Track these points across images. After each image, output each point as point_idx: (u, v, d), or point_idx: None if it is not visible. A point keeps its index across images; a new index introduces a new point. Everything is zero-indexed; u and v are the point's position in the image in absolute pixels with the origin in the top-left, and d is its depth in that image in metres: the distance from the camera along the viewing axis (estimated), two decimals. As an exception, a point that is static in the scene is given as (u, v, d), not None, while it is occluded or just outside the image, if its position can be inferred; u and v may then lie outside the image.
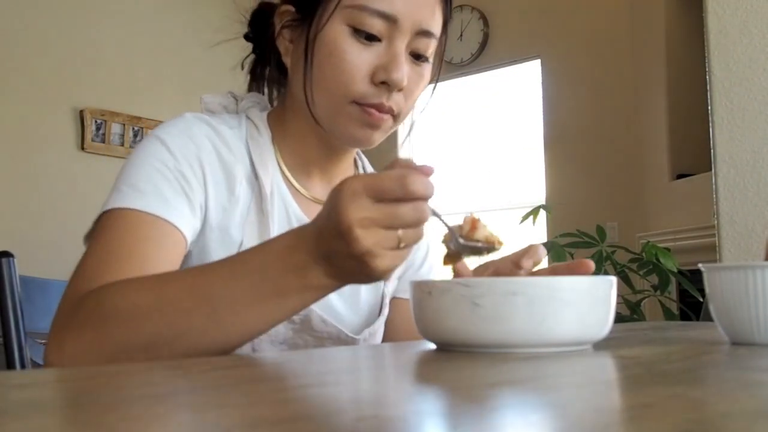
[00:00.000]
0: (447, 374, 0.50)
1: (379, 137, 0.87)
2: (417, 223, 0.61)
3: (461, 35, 4.87)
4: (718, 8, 2.07)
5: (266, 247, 0.68)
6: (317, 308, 0.86)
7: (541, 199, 4.42)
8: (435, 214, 0.68)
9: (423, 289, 0.62)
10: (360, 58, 0.83)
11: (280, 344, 0.87)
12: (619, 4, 4.32)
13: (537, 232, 3.68)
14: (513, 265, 0.79)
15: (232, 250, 0.83)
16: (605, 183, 4.26)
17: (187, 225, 0.80)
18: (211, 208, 0.84)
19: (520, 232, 3.54)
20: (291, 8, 0.88)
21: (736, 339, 0.66)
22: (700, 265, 0.69)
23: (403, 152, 5.09)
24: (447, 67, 4.92)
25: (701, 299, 2.08)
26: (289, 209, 0.89)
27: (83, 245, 0.80)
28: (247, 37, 0.98)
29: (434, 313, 0.60)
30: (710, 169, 2.13)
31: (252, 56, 0.99)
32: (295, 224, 0.87)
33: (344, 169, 0.97)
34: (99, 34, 4.14)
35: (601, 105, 4.33)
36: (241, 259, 0.69)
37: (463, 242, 0.71)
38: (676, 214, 3.78)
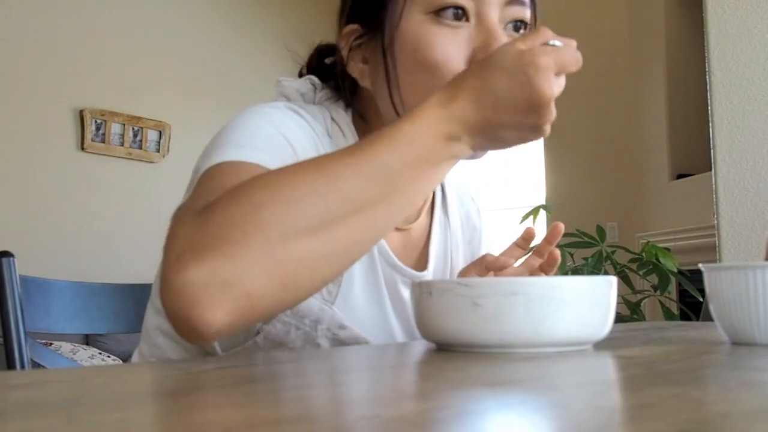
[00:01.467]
0: (447, 374, 0.50)
1: None
2: (577, 62, 0.64)
3: (461, 35, 4.87)
4: (718, 8, 2.08)
5: (415, 116, 0.61)
6: (340, 315, 0.78)
7: (541, 199, 4.42)
8: None
9: (423, 289, 0.61)
10: (453, 44, 0.73)
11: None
12: (619, 4, 4.32)
13: (537, 232, 3.68)
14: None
15: None
16: (605, 183, 4.26)
17: None
18: None
19: (520, 232, 3.55)
20: (355, 26, 0.80)
21: (736, 339, 0.66)
22: (700, 265, 0.69)
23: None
24: (447, 67, 4.92)
25: (701, 299, 2.08)
26: None
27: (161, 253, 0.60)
28: (301, 75, 0.91)
29: (435, 313, 0.60)
30: (710, 169, 2.13)
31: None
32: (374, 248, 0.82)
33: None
34: (99, 35, 4.14)
35: (601, 105, 4.33)
36: (395, 129, 0.61)
37: None
38: (676, 214, 3.78)
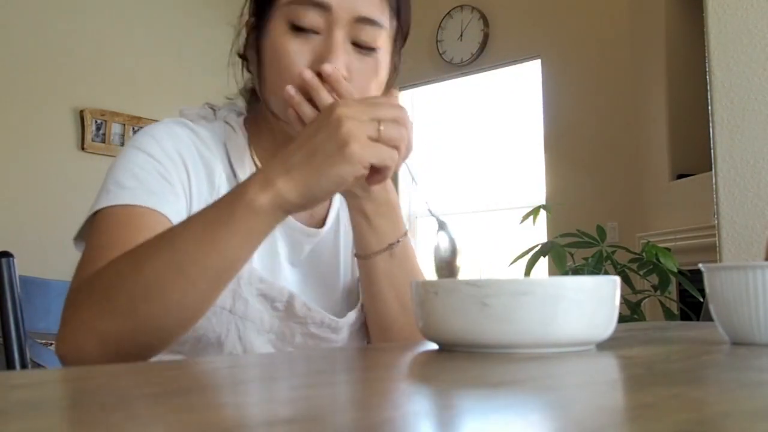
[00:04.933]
0: (448, 374, 0.50)
1: None
2: (396, 120, 0.69)
3: (461, 35, 4.87)
4: (718, 8, 2.08)
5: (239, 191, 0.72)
6: (299, 294, 0.90)
7: (541, 199, 4.41)
8: (431, 212, 0.72)
9: (428, 288, 0.61)
10: (298, 53, 0.84)
11: (267, 333, 0.89)
12: (620, 4, 4.32)
13: (537, 232, 3.68)
14: None
15: None
16: (605, 183, 4.26)
17: (175, 212, 0.83)
18: (194, 199, 0.86)
19: (520, 232, 3.54)
20: (252, 19, 0.92)
21: (736, 339, 0.66)
22: (700, 265, 0.69)
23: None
24: (447, 67, 4.92)
25: (701, 299, 2.08)
26: None
27: (74, 247, 0.85)
28: (240, 55, 1.00)
29: (440, 314, 0.60)
30: (710, 169, 2.13)
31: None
32: None
33: None
34: (99, 34, 4.14)
35: (601, 105, 4.32)
36: (224, 203, 0.73)
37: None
38: (676, 214, 3.78)
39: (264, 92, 0.89)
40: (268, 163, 0.72)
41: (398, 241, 0.88)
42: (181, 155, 0.86)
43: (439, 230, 0.84)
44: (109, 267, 0.73)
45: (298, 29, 0.84)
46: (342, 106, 0.68)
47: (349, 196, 0.87)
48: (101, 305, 0.71)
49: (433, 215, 0.85)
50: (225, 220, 0.69)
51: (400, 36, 0.92)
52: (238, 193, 0.70)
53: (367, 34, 0.85)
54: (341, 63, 0.83)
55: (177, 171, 0.85)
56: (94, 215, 0.82)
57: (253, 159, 0.94)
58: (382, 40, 0.87)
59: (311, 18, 0.83)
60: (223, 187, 0.89)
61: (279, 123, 0.90)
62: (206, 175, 0.88)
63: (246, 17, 0.94)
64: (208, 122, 0.96)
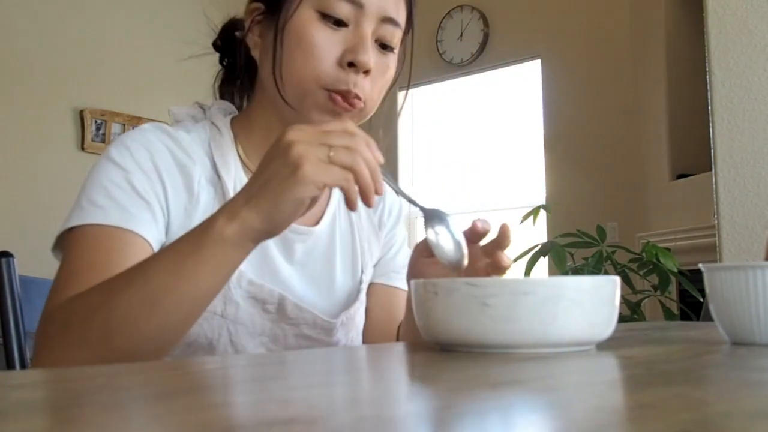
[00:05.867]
0: (448, 374, 0.50)
1: None
2: (346, 145, 0.69)
3: (461, 35, 4.87)
4: (718, 8, 2.08)
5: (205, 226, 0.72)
6: (291, 295, 0.89)
7: (541, 199, 4.41)
8: (387, 179, 0.72)
9: (428, 288, 0.61)
10: (328, 42, 0.85)
11: (259, 335, 0.89)
12: (620, 4, 4.32)
13: (537, 232, 3.68)
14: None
15: None
16: (605, 183, 4.26)
17: (150, 230, 0.83)
18: (172, 210, 0.86)
19: (520, 232, 3.54)
20: (259, 4, 0.92)
21: (736, 339, 0.66)
22: (700, 265, 0.69)
23: (403, 154, 5.09)
24: (447, 67, 4.92)
25: (701, 299, 2.08)
26: None
27: (53, 257, 0.86)
28: (215, 46, 1.01)
29: (441, 314, 0.60)
30: (710, 169, 2.13)
31: (221, 67, 1.03)
32: None
33: None
34: (99, 34, 4.14)
35: (601, 105, 4.33)
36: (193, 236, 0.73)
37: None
38: (676, 214, 3.78)
39: (277, 75, 0.88)
40: (234, 196, 0.73)
41: None
42: (155, 166, 0.86)
43: (437, 225, 0.77)
44: (81, 299, 0.73)
45: (327, 19, 0.86)
46: (292, 131, 0.69)
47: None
48: (75, 337, 0.72)
49: (423, 210, 0.78)
50: (194, 251, 0.70)
51: (409, 37, 0.95)
52: (206, 224, 0.71)
53: (389, 34, 0.89)
54: (370, 56, 0.86)
55: (152, 184, 0.85)
56: (69, 231, 0.82)
57: (240, 158, 0.93)
58: (397, 39, 0.91)
59: (344, 10, 0.86)
60: (203, 193, 0.88)
61: (282, 116, 0.90)
62: (184, 183, 0.87)
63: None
64: (196, 122, 0.96)
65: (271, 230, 0.71)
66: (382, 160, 0.72)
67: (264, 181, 0.70)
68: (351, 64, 0.85)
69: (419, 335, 0.66)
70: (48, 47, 3.93)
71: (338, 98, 0.85)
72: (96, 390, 0.43)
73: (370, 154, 0.70)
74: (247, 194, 0.71)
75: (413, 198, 0.80)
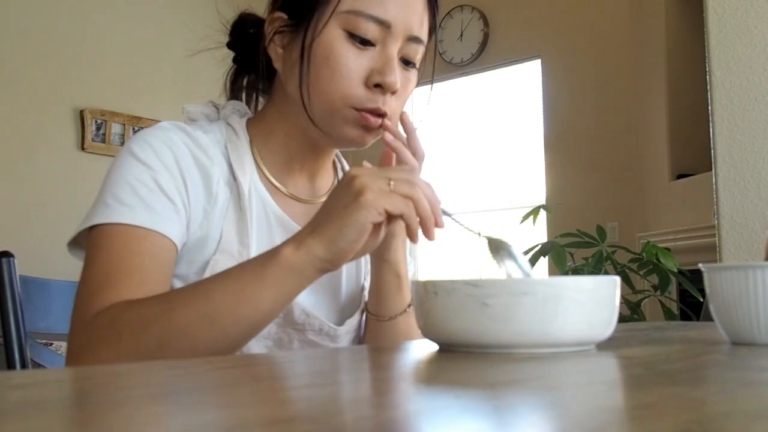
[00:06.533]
0: (448, 374, 0.50)
1: (371, 138, 0.91)
2: (406, 179, 0.73)
3: (461, 35, 4.87)
4: (718, 8, 2.08)
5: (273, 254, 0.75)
6: (298, 300, 0.90)
7: (541, 199, 4.41)
8: (446, 213, 0.74)
9: (428, 288, 0.61)
10: (356, 62, 0.86)
11: (264, 339, 0.89)
12: (620, 4, 4.32)
13: (537, 232, 3.68)
14: None
15: (212, 248, 0.87)
16: (605, 183, 4.26)
17: (176, 230, 0.84)
18: (192, 210, 0.86)
19: (521, 232, 3.54)
20: (283, 15, 0.91)
21: (736, 339, 0.66)
22: (700, 265, 0.69)
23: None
24: (447, 67, 4.92)
25: (701, 299, 2.08)
26: (267, 206, 0.92)
27: (67, 251, 0.86)
28: (229, 45, 1.01)
29: (440, 314, 0.60)
30: (710, 169, 2.13)
31: (233, 65, 1.03)
32: (273, 219, 0.92)
33: (325, 167, 1.01)
34: (99, 34, 4.14)
35: (601, 105, 4.33)
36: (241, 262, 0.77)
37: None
38: (676, 214, 3.78)
39: (304, 92, 0.88)
40: (302, 228, 0.76)
41: None
42: (178, 165, 0.86)
43: (507, 260, 0.79)
44: (134, 309, 0.75)
45: (354, 38, 0.86)
46: (356, 168, 0.74)
47: (386, 258, 0.90)
48: (126, 346, 0.73)
49: (489, 240, 0.80)
50: (258, 275, 0.73)
51: (433, 46, 0.97)
52: (273, 252, 0.74)
53: (413, 51, 0.90)
54: (397, 77, 0.87)
55: (175, 183, 0.85)
56: (94, 228, 0.81)
57: (256, 162, 0.93)
58: (420, 55, 0.93)
59: (371, 31, 0.86)
60: (221, 194, 0.88)
61: (302, 125, 0.91)
62: (203, 184, 0.87)
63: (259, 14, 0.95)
64: (211, 121, 0.96)
65: (335, 259, 0.73)
66: (440, 201, 0.76)
67: (329, 212, 0.73)
68: (377, 85, 0.86)
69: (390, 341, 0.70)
70: (48, 47, 3.93)
71: (368, 116, 0.87)
72: (96, 390, 0.43)
73: (430, 190, 0.74)
74: (313, 224, 0.74)
75: (473, 228, 0.82)
